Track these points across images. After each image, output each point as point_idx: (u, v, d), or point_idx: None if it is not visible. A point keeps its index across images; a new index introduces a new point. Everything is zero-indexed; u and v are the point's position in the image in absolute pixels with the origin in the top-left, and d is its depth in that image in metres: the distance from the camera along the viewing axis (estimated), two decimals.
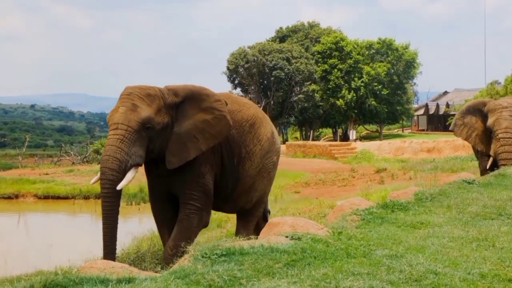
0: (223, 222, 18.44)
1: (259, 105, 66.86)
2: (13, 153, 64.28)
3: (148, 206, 26.26)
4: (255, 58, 65.62)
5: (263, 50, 66.51)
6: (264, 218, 12.93)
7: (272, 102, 67.02)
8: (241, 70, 67.64)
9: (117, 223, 9.59)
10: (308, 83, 65.58)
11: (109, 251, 9.50)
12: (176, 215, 10.45)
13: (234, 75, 68.91)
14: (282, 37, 73.48)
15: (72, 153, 52.66)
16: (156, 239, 13.99)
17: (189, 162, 10.12)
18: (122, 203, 27.97)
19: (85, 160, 49.80)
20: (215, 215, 19.92)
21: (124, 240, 15.27)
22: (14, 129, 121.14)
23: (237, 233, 11.80)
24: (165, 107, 9.96)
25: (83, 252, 10.72)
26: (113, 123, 9.56)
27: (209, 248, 6.64)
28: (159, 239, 12.80)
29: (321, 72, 61.09)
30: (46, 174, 35.69)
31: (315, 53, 63.76)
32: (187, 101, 10.30)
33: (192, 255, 6.52)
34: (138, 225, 21.48)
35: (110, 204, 9.45)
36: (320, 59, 62.01)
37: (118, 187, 9.35)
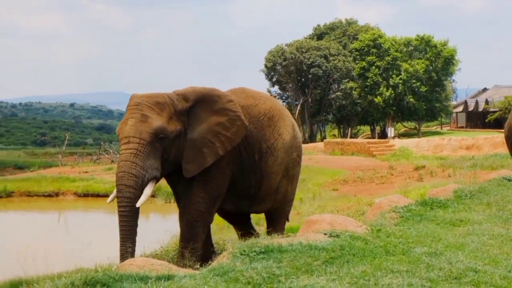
0: (261, 219, 18.42)
1: (296, 103, 66.84)
2: (53, 152, 64.86)
3: None
4: (293, 56, 65.52)
5: (301, 47, 66.38)
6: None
7: (310, 100, 66.90)
8: (279, 67, 67.55)
9: (135, 242, 9.03)
10: (346, 80, 65.38)
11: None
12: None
13: (272, 73, 68.82)
14: (319, 34, 73.30)
15: (111, 151, 53.01)
16: None
17: None
18: (161, 201, 28.28)
19: None
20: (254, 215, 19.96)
21: (163, 237, 15.34)
22: (54, 128, 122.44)
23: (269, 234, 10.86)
24: (176, 114, 9.50)
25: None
26: (124, 137, 9.10)
27: (248, 245, 6.66)
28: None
29: (359, 70, 60.93)
30: (86, 172, 35.94)
31: (353, 50, 63.59)
32: (198, 104, 9.80)
33: (231, 252, 6.54)
34: (176, 223, 21.48)
35: (128, 223, 8.94)
36: (358, 56, 61.84)
37: (138, 204, 8.91)
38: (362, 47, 60.92)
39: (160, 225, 21.77)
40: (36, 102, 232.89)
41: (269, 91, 70.18)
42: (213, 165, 9.74)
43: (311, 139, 67.11)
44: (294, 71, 66.27)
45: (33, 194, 28.40)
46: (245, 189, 10.50)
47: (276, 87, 70.41)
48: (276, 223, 11.79)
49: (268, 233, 11.14)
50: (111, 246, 9.51)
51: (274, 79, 69.55)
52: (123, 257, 8.58)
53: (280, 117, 10.96)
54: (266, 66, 68.54)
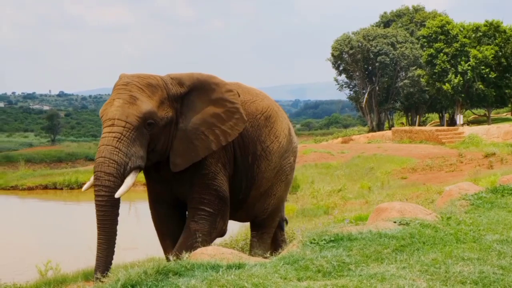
0: (330, 208, 18.44)
1: (363, 91, 66.50)
2: None
3: None
4: (360, 44, 65.12)
5: (368, 35, 65.94)
6: (280, 227, 11.05)
7: (377, 88, 66.46)
8: (345, 56, 67.16)
9: (114, 234, 8.03)
10: (413, 68, 64.68)
11: (101, 265, 7.88)
12: (183, 224, 9.05)
13: (339, 62, 68.48)
14: (386, 22, 72.68)
15: None
16: None
17: (196, 162, 8.65)
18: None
19: None
20: (322, 202, 19.96)
21: (233, 227, 15.47)
22: None
23: (252, 247, 10.39)
24: (168, 99, 8.47)
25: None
26: (108, 119, 8.00)
27: (317, 234, 6.68)
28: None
29: (426, 57, 60.11)
30: None
31: (420, 37, 62.74)
32: (194, 92, 8.76)
33: (301, 241, 6.58)
34: None
35: (106, 214, 7.88)
36: (425, 44, 61.00)
37: (117, 195, 7.80)
38: (430, 34, 60.07)
39: None
40: (105, 94, 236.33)
41: (336, 80, 70.04)
42: (212, 165, 8.81)
43: (379, 127, 66.72)
44: (361, 60, 65.86)
45: None
46: (235, 193, 9.33)
47: (343, 75, 70.12)
48: (261, 237, 10.43)
49: (253, 242, 10.42)
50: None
51: (340, 68, 69.21)
52: (99, 247, 7.88)
53: (277, 118, 9.95)
54: (332, 55, 68.20)
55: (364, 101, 65.54)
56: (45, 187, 32.18)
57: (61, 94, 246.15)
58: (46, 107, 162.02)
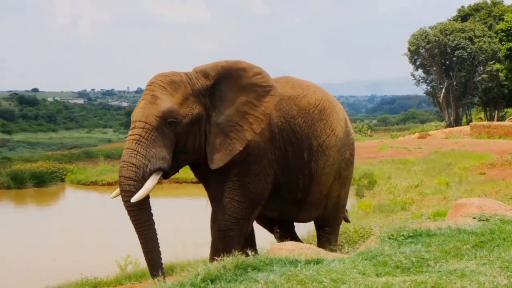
0: (407, 204, 18.29)
1: (441, 86, 65.68)
2: None
3: None
4: (437, 39, 64.37)
5: (445, 30, 65.14)
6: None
7: (454, 83, 65.61)
8: (422, 51, 66.49)
9: (154, 235, 7.88)
10: (492, 62, 63.64)
11: (152, 267, 7.88)
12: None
13: (415, 56, 67.84)
14: (464, 16, 71.60)
15: None
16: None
17: (237, 159, 8.20)
18: None
19: None
20: (399, 197, 19.80)
21: (310, 223, 15.48)
22: None
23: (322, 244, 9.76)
24: (193, 94, 8.06)
25: (268, 236, 10.87)
26: (132, 121, 7.86)
27: (396, 229, 6.65)
28: (344, 222, 12.83)
29: (505, 51, 59.02)
30: None
31: (499, 31, 61.66)
32: (222, 81, 8.29)
33: (379, 236, 6.56)
34: None
35: (138, 218, 7.72)
36: (504, 37, 59.89)
37: (133, 200, 7.50)
38: (509, 28, 58.97)
39: None
40: None
41: (413, 75, 69.40)
42: (253, 163, 8.37)
43: (456, 122, 65.87)
44: (438, 54, 65.11)
45: (181, 181, 29.06)
46: (292, 193, 9.02)
47: (420, 70, 69.47)
48: (329, 232, 9.97)
49: (322, 241, 9.91)
50: (257, 232, 9.61)
51: (417, 63, 68.56)
52: (144, 251, 7.88)
53: (332, 109, 9.41)
54: (409, 49, 67.60)
55: (442, 96, 64.81)
56: None
57: (138, 91, 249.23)
58: (124, 104, 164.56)
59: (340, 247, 10.05)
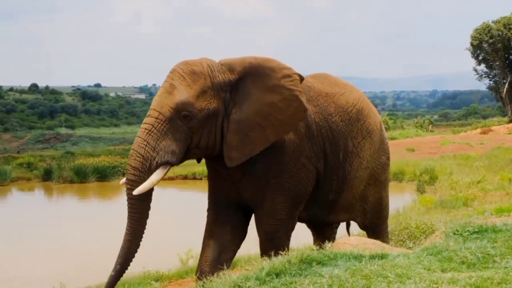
0: (469, 200, 18.11)
1: (504, 81, 64.77)
2: None
3: (393, 185, 26.31)
4: (500, 33, 63.48)
5: (508, 24, 64.14)
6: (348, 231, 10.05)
7: None
8: (485, 45, 65.64)
9: (142, 227, 7.43)
10: None
11: (121, 255, 7.31)
12: (239, 228, 8.21)
13: (478, 51, 67.01)
14: None
15: None
16: (401, 218, 14.01)
17: (272, 154, 7.74)
18: None
19: None
20: (460, 193, 19.61)
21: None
22: None
23: None
24: (213, 88, 7.48)
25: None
26: (149, 110, 7.41)
27: (461, 225, 6.61)
28: (405, 218, 12.69)
29: None
30: None
31: None
32: (247, 78, 7.69)
33: (444, 232, 6.53)
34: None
35: (133, 207, 7.29)
36: None
37: (135, 192, 7.08)
38: None
39: None
40: None
41: (475, 70, 68.55)
42: (289, 162, 7.85)
43: None
44: (501, 49, 64.20)
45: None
46: (324, 194, 8.44)
47: (482, 65, 68.55)
48: (377, 233, 9.45)
49: None
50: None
51: (480, 57, 67.69)
52: (124, 245, 7.31)
53: (369, 111, 8.97)
54: (471, 44, 66.79)
55: (505, 91, 63.89)
56: (185, 177, 33.06)
57: None
58: None
59: (401, 242, 10.01)
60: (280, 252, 6.59)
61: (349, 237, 7.18)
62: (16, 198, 31.08)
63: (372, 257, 5.74)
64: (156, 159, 7.14)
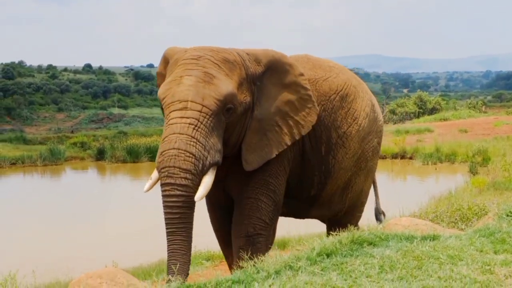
0: None
1: None
2: None
3: (445, 166, 26.09)
4: None
5: None
6: (377, 219, 9.53)
7: None
8: None
9: (191, 239, 6.26)
10: None
11: (179, 273, 5.98)
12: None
13: None
14: None
15: None
16: (453, 199, 13.90)
17: None
18: (419, 163, 28.33)
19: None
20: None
21: (421, 199, 15.36)
22: None
23: None
24: (247, 79, 6.86)
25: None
26: (177, 101, 6.32)
27: None
28: (457, 199, 12.58)
29: None
30: None
31: None
32: (268, 73, 7.14)
33: (496, 213, 6.49)
34: (435, 185, 21.42)
35: (183, 217, 6.12)
36: None
37: (196, 199, 6.15)
38: None
39: (418, 187, 21.75)
40: None
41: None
42: (275, 162, 7.23)
43: None
44: None
45: None
46: (305, 190, 7.95)
47: None
48: (349, 218, 8.89)
49: None
50: (368, 208, 9.53)
51: None
52: (170, 271, 5.96)
53: (356, 95, 8.29)
54: None
55: None
56: None
57: None
58: None
59: (453, 224, 9.95)
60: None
61: (400, 218, 7.13)
62: (69, 177, 31.48)
63: (424, 238, 5.73)
64: (208, 159, 6.25)
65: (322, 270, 4.98)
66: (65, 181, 30.44)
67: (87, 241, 15.77)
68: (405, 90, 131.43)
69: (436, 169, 26.81)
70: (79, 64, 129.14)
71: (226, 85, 6.43)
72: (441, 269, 4.83)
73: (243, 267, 5.49)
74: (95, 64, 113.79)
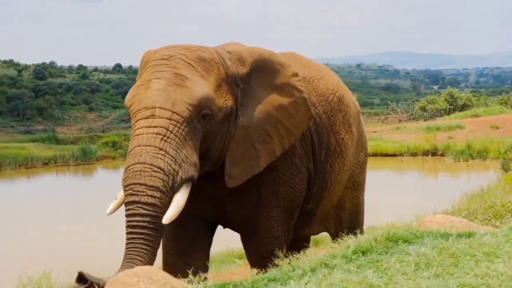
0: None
1: None
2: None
3: (477, 163, 25.92)
4: None
5: None
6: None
7: None
8: None
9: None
10: None
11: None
12: (205, 243, 6.76)
13: None
14: None
15: (398, 110, 53.69)
16: (486, 196, 13.83)
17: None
18: (450, 160, 28.20)
19: (411, 117, 50.65)
20: None
21: (454, 196, 15.29)
22: None
23: None
24: (227, 81, 5.91)
25: (412, 208, 10.77)
26: (144, 108, 5.43)
27: None
28: (490, 196, 12.50)
29: None
30: (374, 132, 36.49)
31: None
32: (255, 73, 6.21)
33: None
34: (467, 182, 21.32)
35: (144, 243, 5.11)
36: None
37: (165, 220, 5.17)
38: None
39: (450, 184, 21.69)
40: (323, 64, 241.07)
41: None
42: (282, 166, 6.49)
43: None
44: None
45: None
46: (304, 200, 6.97)
47: None
48: None
49: None
50: (399, 205, 9.51)
51: None
52: None
53: (349, 99, 7.59)
54: None
55: None
56: None
57: None
58: None
59: (487, 221, 9.93)
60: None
61: (434, 215, 7.14)
62: (102, 176, 31.75)
63: (459, 235, 5.72)
64: (180, 174, 5.35)
65: (357, 267, 4.99)
66: (97, 180, 30.70)
67: (121, 239, 15.87)
68: (435, 87, 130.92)
69: (467, 166, 26.73)
70: (109, 64, 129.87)
71: (201, 87, 5.56)
72: (478, 266, 4.82)
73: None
74: (125, 64, 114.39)
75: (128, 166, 5.26)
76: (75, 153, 33.95)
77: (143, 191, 5.12)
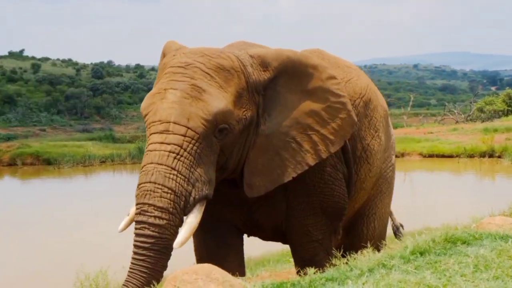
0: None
1: None
2: (397, 113, 65.81)
3: None
4: None
5: None
6: (396, 235, 8.83)
7: None
8: None
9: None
10: None
11: None
12: (235, 245, 6.54)
13: None
14: None
15: (455, 111, 53.25)
16: None
17: None
18: (507, 162, 27.94)
19: (468, 118, 50.18)
20: None
21: (511, 198, 15.11)
22: (398, 89, 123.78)
23: None
24: (248, 90, 5.52)
25: (468, 210, 10.68)
26: (158, 121, 5.14)
27: None
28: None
29: None
30: (431, 133, 36.31)
31: None
32: (281, 77, 5.77)
33: None
34: None
35: (145, 265, 4.88)
36: None
37: (176, 245, 4.95)
38: None
39: (507, 185, 21.45)
40: (380, 64, 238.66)
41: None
42: (312, 178, 6.13)
43: None
44: None
45: None
46: None
47: None
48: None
49: None
50: (456, 206, 9.45)
51: None
52: None
53: (376, 102, 7.05)
54: None
55: None
56: None
57: None
58: None
59: None
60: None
61: (494, 217, 7.08)
62: None
63: None
64: (193, 194, 5.10)
65: (415, 268, 4.98)
66: None
67: None
68: (493, 88, 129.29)
69: None
70: None
71: (218, 101, 5.19)
72: None
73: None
74: None
75: (140, 184, 5.04)
76: (131, 152, 34.39)
77: (151, 212, 4.92)
